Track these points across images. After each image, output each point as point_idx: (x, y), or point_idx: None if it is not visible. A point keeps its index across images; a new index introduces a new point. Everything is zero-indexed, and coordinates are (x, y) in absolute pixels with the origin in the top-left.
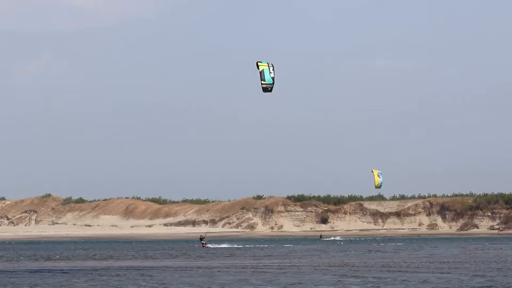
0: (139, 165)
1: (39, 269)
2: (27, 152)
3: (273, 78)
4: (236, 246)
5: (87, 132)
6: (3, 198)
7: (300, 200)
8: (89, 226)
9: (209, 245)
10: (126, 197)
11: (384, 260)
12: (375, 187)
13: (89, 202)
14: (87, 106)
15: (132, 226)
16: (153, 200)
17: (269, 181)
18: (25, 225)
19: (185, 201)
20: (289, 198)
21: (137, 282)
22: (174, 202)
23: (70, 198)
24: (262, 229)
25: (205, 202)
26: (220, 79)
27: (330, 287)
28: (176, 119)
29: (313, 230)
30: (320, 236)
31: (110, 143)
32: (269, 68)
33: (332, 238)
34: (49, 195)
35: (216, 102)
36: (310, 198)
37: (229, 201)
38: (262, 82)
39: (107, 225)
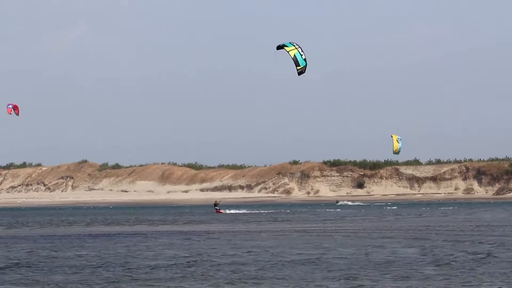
0: (175, 131)
1: (99, 234)
2: (63, 118)
3: (305, 60)
4: (254, 211)
5: (122, 98)
6: (39, 164)
7: (336, 165)
8: (126, 191)
9: (227, 211)
10: (162, 163)
11: (443, 224)
12: (393, 153)
13: (125, 167)
14: (123, 72)
15: (168, 192)
16: (189, 166)
17: (305, 146)
18: (62, 191)
19: (221, 167)
20: (325, 163)
21: (213, 245)
22: (210, 167)
23: (106, 164)
24: (298, 194)
25: (241, 167)
26: (252, 42)
27: (409, 250)
28: (210, 84)
29: (349, 195)
30: (336, 202)
31: (146, 108)
32: (298, 50)
33: (346, 202)
34: (85, 161)
35: (250, 66)
36: (346, 163)
37: (265, 166)
38: (297, 68)
39: (144, 191)
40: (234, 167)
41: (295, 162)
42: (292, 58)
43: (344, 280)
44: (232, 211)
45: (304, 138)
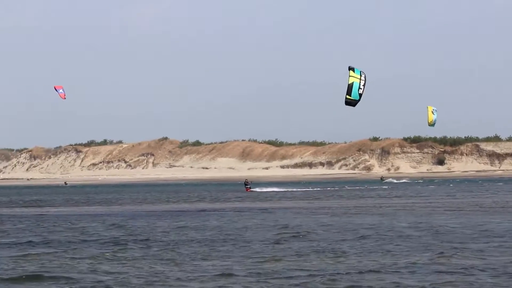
0: (255, 107)
1: (205, 210)
2: (144, 96)
3: (360, 95)
4: (284, 189)
5: (201, 74)
6: (120, 142)
7: (416, 141)
8: (206, 168)
9: (257, 189)
10: (242, 140)
11: None
12: (429, 125)
13: (206, 144)
14: (198, 49)
15: (249, 169)
16: (270, 143)
17: (385, 122)
18: (142, 168)
19: (301, 143)
20: (405, 139)
21: (368, 214)
22: (290, 144)
23: (187, 141)
24: (378, 170)
25: (322, 144)
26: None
27: None
28: (293, 63)
29: (430, 171)
30: (381, 179)
31: (224, 84)
32: (359, 83)
33: (391, 180)
34: (166, 138)
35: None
36: (426, 139)
37: (345, 143)
38: (347, 96)
39: (224, 168)
40: (314, 143)
41: (375, 139)
42: (348, 84)
43: None
44: (264, 189)
45: (384, 114)
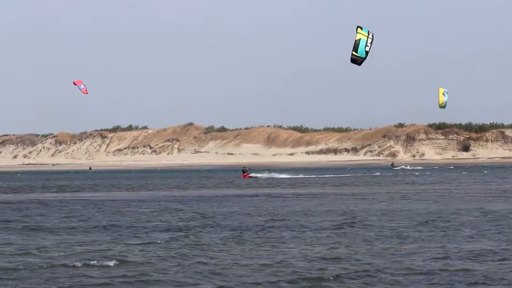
0: (279, 94)
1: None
2: (169, 82)
3: (367, 53)
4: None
5: (226, 61)
6: (145, 127)
7: (441, 128)
8: (231, 154)
9: (258, 175)
10: (267, 126)
11: None
12: (439, 107)
13: (231, 130)
14: (223, 37)
15: (274, 155)
16: (295, 129)
17: (410, 108)
18: (168, 154)
19: (326, 129)
20: (430, 126)
21: (413, 200)
22: (315, 130)
23: (212, 126)
24: (403, 157)
25: (347, 130)
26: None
27: None
28: (316, 48)
29: (455, 158)
30: (392, 164)
31: (250, 71)
32: (367, 40)
33: (403, 166)
34: (191, 123)
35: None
36: (451, 126)
37: (370, 129)
38: (353, 53)
39: (249, 154)
40: (339, 130)
41: (400, 125)
42: (355, 40)
43: None
44: (260, 175)
45: (409, 101)
